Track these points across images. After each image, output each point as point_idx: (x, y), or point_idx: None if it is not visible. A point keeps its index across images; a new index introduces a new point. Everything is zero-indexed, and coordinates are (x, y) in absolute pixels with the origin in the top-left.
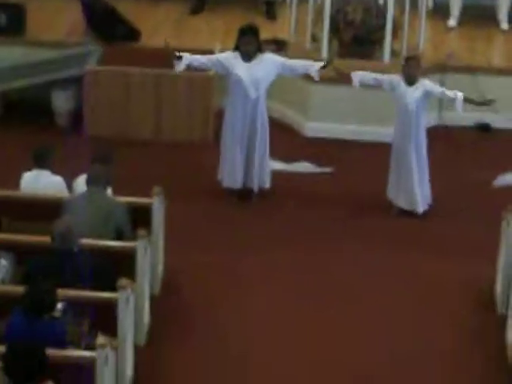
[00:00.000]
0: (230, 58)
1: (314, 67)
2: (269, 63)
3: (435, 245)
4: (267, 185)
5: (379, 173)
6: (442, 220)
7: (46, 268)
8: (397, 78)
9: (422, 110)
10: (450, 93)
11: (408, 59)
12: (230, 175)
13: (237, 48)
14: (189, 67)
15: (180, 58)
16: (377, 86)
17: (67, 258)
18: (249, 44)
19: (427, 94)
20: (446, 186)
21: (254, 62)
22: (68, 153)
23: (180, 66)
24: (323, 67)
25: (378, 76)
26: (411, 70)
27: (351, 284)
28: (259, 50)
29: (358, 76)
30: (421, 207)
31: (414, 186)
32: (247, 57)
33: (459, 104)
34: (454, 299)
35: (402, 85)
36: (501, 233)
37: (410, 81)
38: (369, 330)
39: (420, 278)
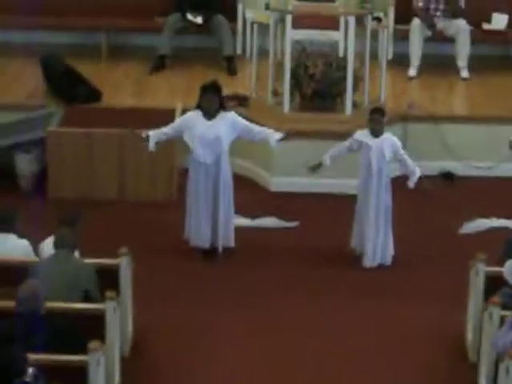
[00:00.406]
0: (190, 119)
1: (274, 137)
2: (230, 123)
3: (404, 293)
4: (232, 244)
5: (345, 225)
6: (408, 268)
7: (12, 332)
8: (361, 135)
9: (386, 163)
10: (410, 163)
11: (372, 112)
12: (197, 234)
13: (199, 106)
14: (158, 143)
15: (147, 138)
16: (348, 152)
17: (33, 321)
18: (210, 102)
19: (392, 153)
20: (412, 234)
21: (216, 120)
22: (32, 216)
23: (151, 146)
24: (282, 139)
25: (345, 144)
26: (376, 124)
27: (320, 339)
28: (221, 107)
29: (328, 158)
30: (389, 260)
31: (384, 239)
32: (209, 114)
33: (413, 179)
34: (425, 348)
35: (368, 139)
36: (469, 281)
37: (376, 134)
38: (341, 379)
39: (389, 327)
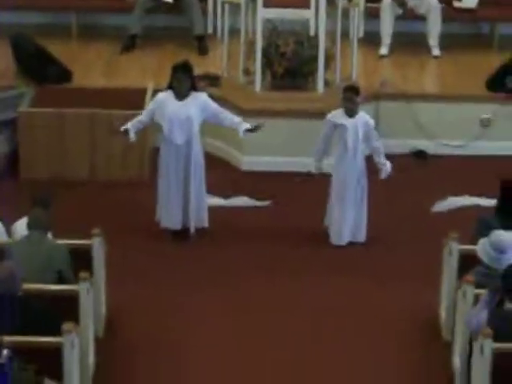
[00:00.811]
0: (161, 100)
1: (242, 126)
2: (201, 104)
3: (377, 273)
4: (205, 224)
5: (317, 203)
6: (382, 248)
7: None
8: (335, 116)
9: (360, 142)
10: (382, 158)
11: (346, 90)
12: (168, 215)
13: (170, 86)
14: (138, 132)
15: (127, 131)
16: (329, 140)
17: (10, 303)
18: (182, 82)
19: (365, 138)
20: (385, 213)
21: (187, 100)
22: (4, 197)
23: (132, 137)
24: (251, 130)
25: (323, 135)
26: (350, 102)
27: (294, 318)
28: (193, 87)
29: (315, 165)
30: (363, 237)
31: (359, 217)
32: (180, 95)
33: (385, 172)
34: (399, 327)
35: (343, 119)
36: (442, 259)
37: (350, 113)
38: (315, 360)
39: (363, 306)
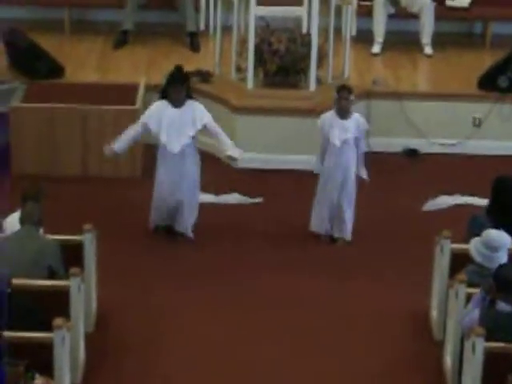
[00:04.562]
0: (156, 110)
1: (229, 151)
2: (197, 115)
3: (369, 271)
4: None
5: (309, 201)
6: (373, 246)
7: None
8: (326, 120)
9: (352, 140)
10: (360, 165)
11: (340, 90)
12: (159, 213)
13: (164, 95)
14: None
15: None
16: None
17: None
18: (178, 92)
19: (355, 132)
20: (377, 212)
21: (184, 108)
22: None
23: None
24: (233, 159)
25: (323, 142)
26: (343, 102)
27: (285, 315)
28: (189, 96)
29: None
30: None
31: (344, 214)
32: (177, 103)
33: (363, 172)
34: (391, 326)
35: (334, 122)
36: (434, 258)
37: (343, 114)
38: (304, 358)
39: (354, 304)
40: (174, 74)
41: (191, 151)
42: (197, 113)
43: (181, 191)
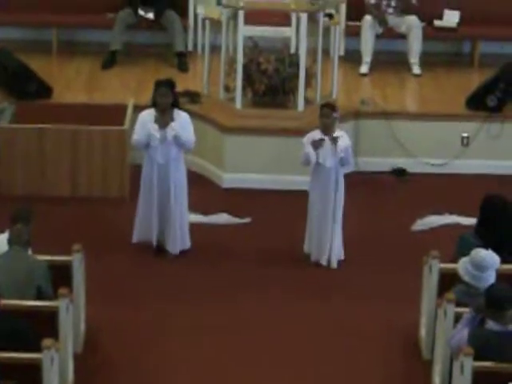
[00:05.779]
0: (145, 119)
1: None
2: (184, 125)
3: (356, 292)
4: (187, 245)
5: (297, 221)
6: (362, 266)
7: None
8: (311, 138)
9: (339, 160)
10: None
11: (322, 107)
12: (144, 230)
13: (154, 104)
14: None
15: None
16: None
17: None
18: (164, 96)
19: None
20: (365, 231)
21: (168, 129)
22: None
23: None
24: None
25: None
26: (324, 120)
27: (275, 336)
28: (175, 104)
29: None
30: (335, 262)
31: (328, 241)
32: (163, 111)
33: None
34: (379, 346)
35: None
36: (422, 278)
37: (327, 130)
38: (293, 378)
39: (343, 324)
40: (161, 79)
41: (178, 162)
42: (184, 124)
43: (169, 201)
